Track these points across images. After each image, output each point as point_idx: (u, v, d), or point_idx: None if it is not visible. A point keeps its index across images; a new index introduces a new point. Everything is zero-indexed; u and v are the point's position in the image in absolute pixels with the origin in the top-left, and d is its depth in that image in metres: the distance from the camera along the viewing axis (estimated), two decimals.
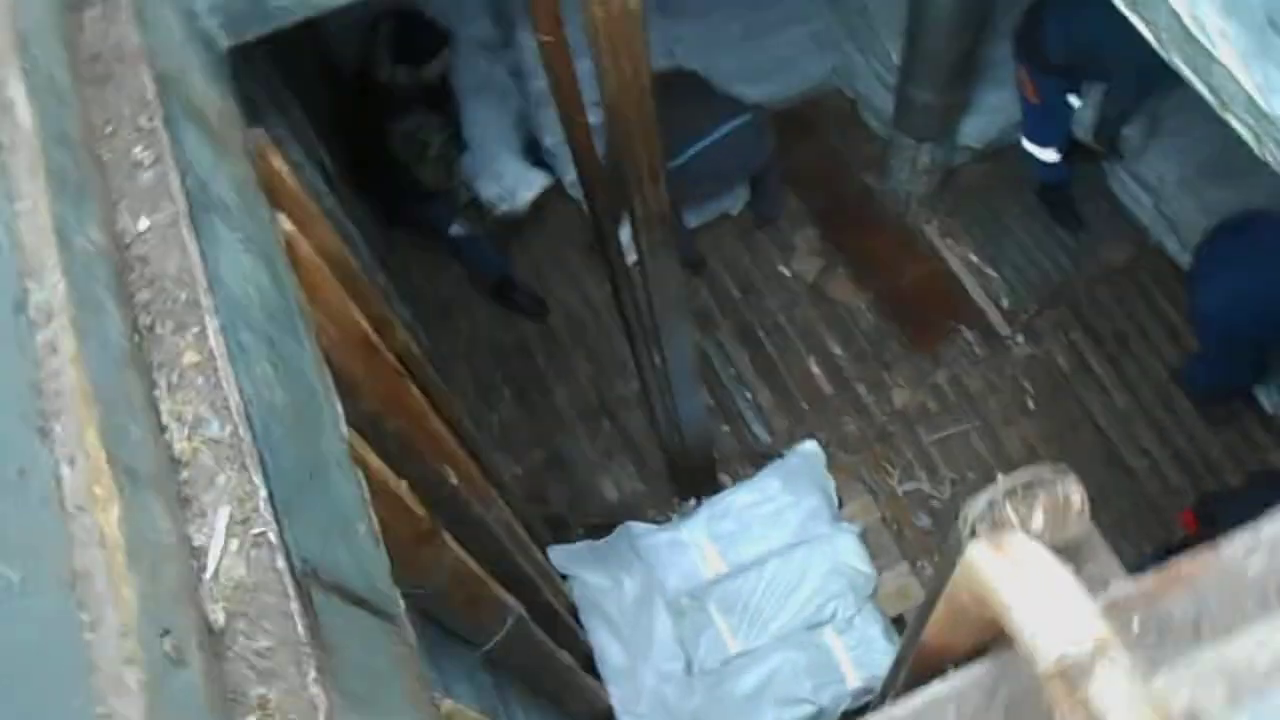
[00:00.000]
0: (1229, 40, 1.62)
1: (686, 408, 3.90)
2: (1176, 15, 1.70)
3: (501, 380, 4.93)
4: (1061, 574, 0.83)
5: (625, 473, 4.74)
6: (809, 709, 3.91)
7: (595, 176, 2.65)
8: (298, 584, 1.05)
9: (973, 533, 1.15)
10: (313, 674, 1.01)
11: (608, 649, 3.99)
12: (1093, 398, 4.68)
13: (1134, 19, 1.78)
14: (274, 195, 1.61)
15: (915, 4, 4.13)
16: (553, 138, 4.88)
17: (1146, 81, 4.05)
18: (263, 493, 1.09)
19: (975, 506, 1.14)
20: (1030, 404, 4.70)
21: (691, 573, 4.19)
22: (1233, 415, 4.58)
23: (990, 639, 1.14)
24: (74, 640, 0.84)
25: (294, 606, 1.04)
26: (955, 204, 5.08)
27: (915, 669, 1.44)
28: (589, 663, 3.86)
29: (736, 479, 4.49)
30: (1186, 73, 1.76)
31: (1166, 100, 4.31)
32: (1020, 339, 4.83)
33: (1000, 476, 1.11)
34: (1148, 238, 4.84)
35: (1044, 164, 4.76)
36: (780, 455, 4.49)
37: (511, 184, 4.84)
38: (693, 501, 4.54)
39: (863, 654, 4.01)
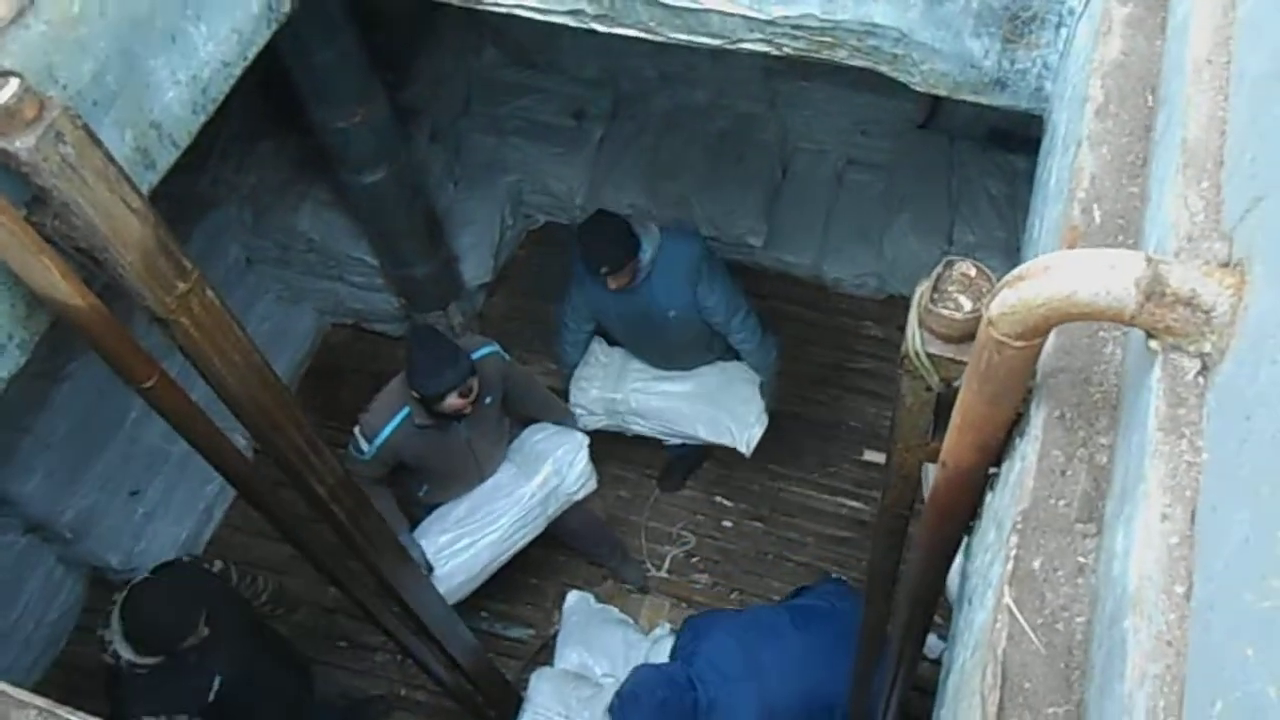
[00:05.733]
0: None
1: (460, 647, 3.66)
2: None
3: None
4: (1079, 252, 0.93)
5: None
6: None
7: (257, 488, 2.42)
8: None
9: (929, 359, 1.24)
10: None
11: None
12: None
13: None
14: None
15: (362, 213, 4.34)
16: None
17: None
18: None
19: (912, 339, 1.22)
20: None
21: None
22: None
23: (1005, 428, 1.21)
24: None
25: None
26: (504, 330, 5.10)
27: (932, 532, 1.49)
28: None
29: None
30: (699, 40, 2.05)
31: None
32: None
33: (914, 295, 1.21)
34: None
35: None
36: (554, 635, 4.31)
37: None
38: None
39: None
